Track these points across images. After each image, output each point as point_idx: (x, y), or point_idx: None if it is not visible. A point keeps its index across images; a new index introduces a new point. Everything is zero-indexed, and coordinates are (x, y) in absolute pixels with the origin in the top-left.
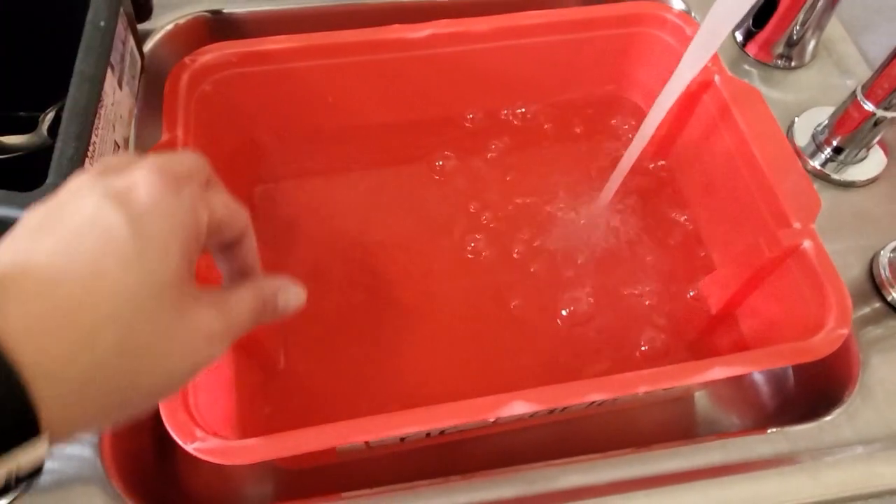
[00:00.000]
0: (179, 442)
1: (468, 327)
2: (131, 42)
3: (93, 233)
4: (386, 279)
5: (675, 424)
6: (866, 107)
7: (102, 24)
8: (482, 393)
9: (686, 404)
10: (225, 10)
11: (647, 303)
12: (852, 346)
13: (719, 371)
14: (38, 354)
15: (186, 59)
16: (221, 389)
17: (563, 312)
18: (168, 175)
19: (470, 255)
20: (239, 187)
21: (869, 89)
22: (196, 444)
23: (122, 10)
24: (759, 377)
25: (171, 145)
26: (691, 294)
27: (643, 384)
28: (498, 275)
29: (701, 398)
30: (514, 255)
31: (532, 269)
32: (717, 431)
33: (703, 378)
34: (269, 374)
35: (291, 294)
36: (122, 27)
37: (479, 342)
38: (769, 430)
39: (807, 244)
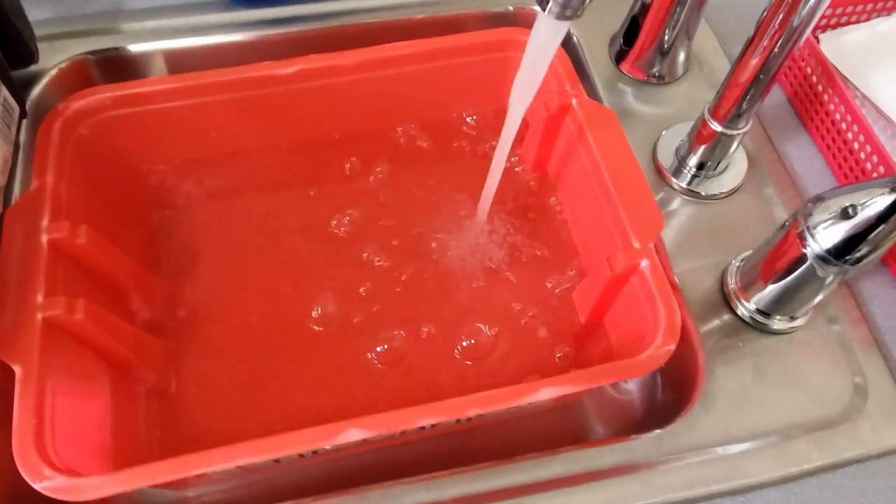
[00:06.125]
0: (29, 482)
1: (351, 350)
2: (4, 92)
3: None
4: (276, 302)
5: (565, 430)
6: (713, 126)
7: None
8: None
9: (575, 410)
10: (113, 48)
11: (528, 313)
12: (699, 357)
13: (548, 391)
14: None
15: (59, 106)
16: (94, 420)
17: (433, 321)
18: None
19: (362, 285)
20: (133, 215)
21: (714, 108)
22: (44, 483)
23: None
24: (632, 385)
25: (39, 192)
26: (565, 304)
27: (473, 407)
28: (386, 294)
29: (588, 403)
30: (402, 278)
31: (420, 291)
32: (597, 437)
33: (531, 399)
34: (159, 398)
35: None
36: None
37: (364, 365)
38: (613, 444)
39: (644, 264)
